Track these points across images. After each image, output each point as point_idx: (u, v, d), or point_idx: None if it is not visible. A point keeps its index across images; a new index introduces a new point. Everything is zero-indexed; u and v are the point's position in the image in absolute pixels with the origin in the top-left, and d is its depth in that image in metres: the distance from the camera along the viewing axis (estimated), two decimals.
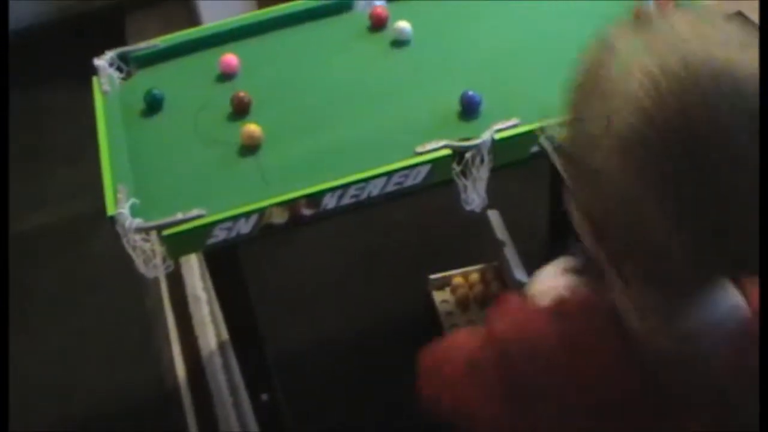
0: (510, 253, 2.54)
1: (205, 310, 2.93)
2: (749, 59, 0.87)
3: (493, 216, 2.59)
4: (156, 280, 2.90)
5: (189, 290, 2.99)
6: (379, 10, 2.37)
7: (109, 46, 3.43)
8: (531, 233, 2.86)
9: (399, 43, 2.31)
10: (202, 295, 2.96)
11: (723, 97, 0.85)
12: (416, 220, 3.03)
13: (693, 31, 0.90)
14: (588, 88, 0.95)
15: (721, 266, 0.95)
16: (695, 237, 0.90)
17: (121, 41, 4.10)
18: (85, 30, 4.28)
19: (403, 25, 2.31)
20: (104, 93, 2.28)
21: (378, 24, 2.36)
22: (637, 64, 0.89)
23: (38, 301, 3.09)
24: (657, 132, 0.87)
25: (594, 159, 0.92)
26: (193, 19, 3.82)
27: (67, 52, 4.14)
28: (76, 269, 3.19)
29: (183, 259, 2.99)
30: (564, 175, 1.00)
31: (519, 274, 2.45)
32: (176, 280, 3.02)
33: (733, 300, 1.00)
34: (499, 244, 2.58)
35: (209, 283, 2.90)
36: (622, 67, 0.90)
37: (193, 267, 3.07)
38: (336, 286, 2.98)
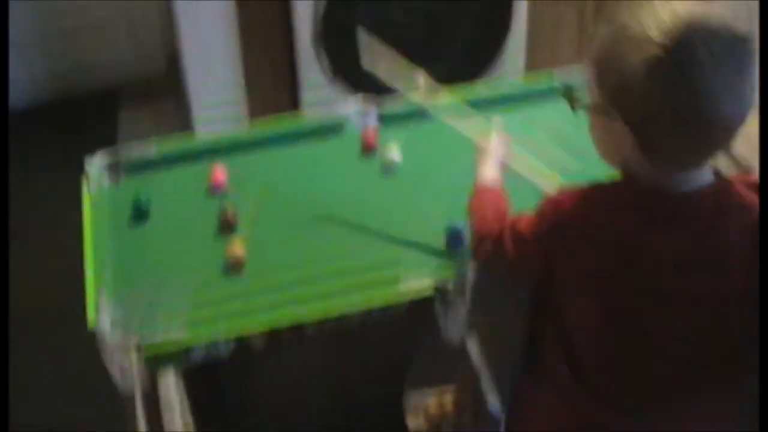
0: (484, 379, 2.53)
1: (179, 421, 2.89)
2: (717, 17, 1.44)
3: (471, 343, 2.58)
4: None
5: (163, 401, 2.95)
6: (370, 134, 2.39)
7: (100, 135, 3.46)
8: (504, 357, 2.85)
9: (388, 169, 2.33)
10: (176, 407, 2.92)
11: (713, 35, 1.42)
12: (394, 339, 3.02)
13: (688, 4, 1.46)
14: (617, 39, 1.48)
15: (706, 147, 1.49)
16: (700, 122, 1.44)
17: (112, 131, 4.16)
18: (78, 116, 4.31)
19: (393, 152, 2.33)
20: (92, 195, 2.28)
21: (369, 148, 2.38)
22: (655, 21, 1.44)
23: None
24: (675, 57, 1.41)
25: (635, 78, 1.44)
26: (184, 118, 3.84)
27: (58, 137, 4.18)
28: (47, 367, 3.16)
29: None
30: (602, 103, 1.52)
31: (492, 399, 2.45)
32: (152, 391, 2.99)
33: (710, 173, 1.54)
34: (473, 370, 2.57)
35: (183, 394, 2.88)
36: (643, 23, 1.44)
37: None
38: (313, 406, 2.95)
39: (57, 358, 3.17)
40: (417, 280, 1.96)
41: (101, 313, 1.91)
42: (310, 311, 1.91)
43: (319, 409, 2.90)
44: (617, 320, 1.60)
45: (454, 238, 2.06)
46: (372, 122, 2.47)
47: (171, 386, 2.87)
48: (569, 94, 1.62)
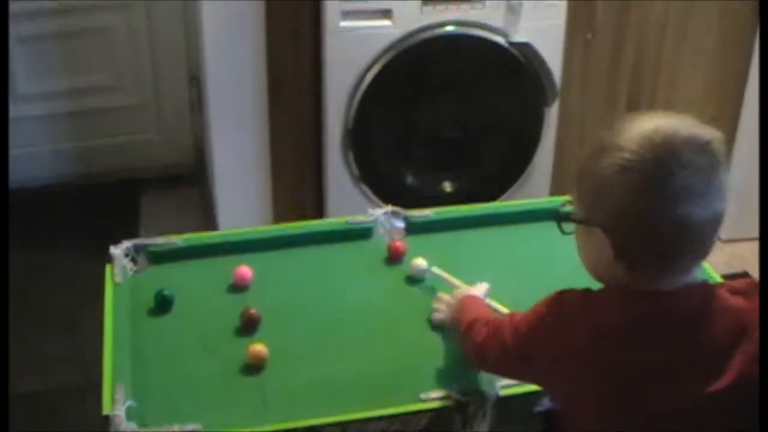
0: None
1: None
2: (684, 127, 1.54)
3: None
4: None
5: None
6: (397, 244, 2.40)
7: (121, 221, 3.46)
8: None
9: (414, 279, 2.33)
10: None
11: (680, 142, 1.51)
12: None
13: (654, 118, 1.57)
14: (598, 150, 1.57)
15: (687, 256, 1.56)
16: (670, 228, 1.51)
17: (134, 216, 4.18)
18: (101, 197, 4.33)
19: (420, 261, 2.33)
20: (116, 284, 2.28)
21: (395, 257, 2.39)
22: (630, 132, 1.54)
23: None
24: (644, 162, 1.50)
25: (608, 183, 1.54)
26: (208, 210, 3.87)
27: (80, 218, 4.20)
28: None
29: None
30: (583, 211, 1.62)
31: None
32: None
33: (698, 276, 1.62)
34: None
35: None
36: (621, 135, 1.55)
37: None
38: None
39: None
40: (439, 392, 1.94)
41: (117, 400, 1.90)
42: (328, 416, 1.88)
43: None
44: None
45: None
46: (399, 231, 2.47)
47: None
48: (558, 215, 1.70)
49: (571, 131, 3.77)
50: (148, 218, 4.20)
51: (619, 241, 1.56)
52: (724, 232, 4.09)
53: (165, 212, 4.21)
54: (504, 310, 2.12)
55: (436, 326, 2.17)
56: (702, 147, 1.52)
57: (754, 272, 4.04)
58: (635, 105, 3.87)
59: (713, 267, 2.35)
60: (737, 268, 4.07)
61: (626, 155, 1.51)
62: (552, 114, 3.60)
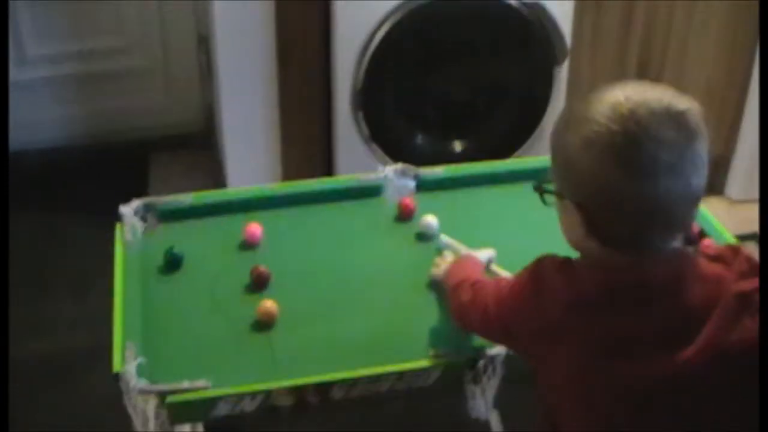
0: None
1: None
2: (656, 98, 1.49)
3: (493, 417, 2.57)
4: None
5: None
6: (407, 201, 2.39)
7: (131, 183, 3.46)
8: None
9: (424, 236, 2.33)
10: None
11: (647, 113, 1.46)
12: (416, 413, 2.99)
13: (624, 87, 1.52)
14: (567, 121, 1.55)
15: (659, 231, 1.53)
16: (637, 202, 1.47)
17: (143, 178, 4.18)
18: (111, 159, 4.33)
19: (430, 219, 2.33)
20: (126, 243, 2.28)
21: (405, 215, 2.39)
22: (597, 103, 1.50)
23: None
24: (610, 135, 1.46)
25: (576, 155, 1.49)
26: (217, 172, 3.86)
27: (89, 181, 4.19)
28: (66, 406, 3.14)
29: None
30: (556, 184, 1.59)
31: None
32: None
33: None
34: None
35: None
36: (588, 107, 1.50)
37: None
38: None
39: (80, 400, 3.15)
40: (448, 349, 1.94)
41: (127, 357, 1.90)
42: (338, 372, 1.89)
43: None
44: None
45: None
46: (409, 188, 2.46)
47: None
48: (539, 186, 1.66)
49: (581, 92, 3.75)
50: (157, 180, 4.20)
51: (589, 217, 1.53)
52: (735, 193, 4.16)
53: (174, 174, 4.20)
54: (506, 275, 2.10)
55: (434, 283, 2.17)
56: (674, 118, 1.47)
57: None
58: (645, 67, 3.85)
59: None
60: (748, 230, 4.06)
61: (593, 127, 1.47)
62: (561, 76, 3.57)
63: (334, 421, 2.85)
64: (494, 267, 2.14)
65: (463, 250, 2.23)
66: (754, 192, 4.14)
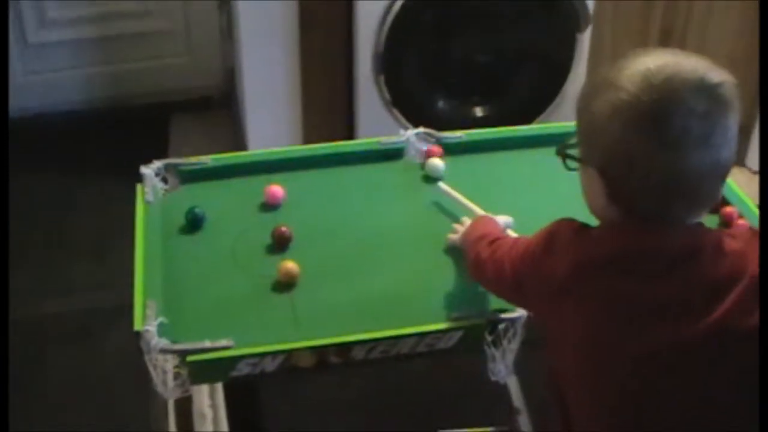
0: (524, 422, 2.52)
1: (210, 428, 2.89)
2: (690, 68, 1.46)
3: (512, 383, 2.58)
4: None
5: (195, 406, 2.96)
6: (434, 149, 2.43)
7: (150, 145, 3.46)
8: (544, 406, 2.83)
9: (430, 178, 2.38)
10: (209, 413, 2.93)
11: (680, 83, 1.43)
12: (436, 374, 3.00)
13: (654, 54, 1.49)
14: (594, 86, 1.52)
15: (683, 204, 1.50)
16: (661, 175, 1.45)
17: (163, 139, 4.18)
18: (131, 121, 4.33)
19: (437, 161, 2.38)
20: (147, 203, 2.28)
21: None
22: (626, 69, 1.47)
23: (39, 396, 3.05)
24: (640, 103, 1.43)
25: (601, 122, 1.47)
26: (238, 134, 3.86)
27: (109, 143, 4.20)
28: (85, 366, 3.17)
29: None
30: (581, 149, 1.56)
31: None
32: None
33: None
34: (514, 412, 2.56)
35: (217, 401, 2.88)
36: (617, 72, 1.48)
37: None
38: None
39: (100, 358, 3.18)
40: (469, 311, 1.94)
41: (148, 317, 1.90)
42: (359, 332, 1.89)
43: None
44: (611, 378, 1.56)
45: None
46: (432, 150, 2.46)
47: (205, 396, 2.88)
48: (562, 151, 1.62)
49: (603, 60, 3.73)
50: (177, 142, 4.20)
51: (612, 184, 1.50)
52: (755, 164, 4.13)
53: (194, 136, 4.21)
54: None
55: (452, 248, 2.16)
56: (707, 90, 1.44)
57: None
58: (668, 35, 3.83)
59: None
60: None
61: (622, 95, 1.44)
62: (584, 42, 3.56)
63: (352, 380, 2.86)
64: (511, 232, 2.13)
65: (462, 200, 2.23)
66: None
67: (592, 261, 1.54)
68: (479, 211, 2.18)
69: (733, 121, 1.46)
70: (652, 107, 1.42)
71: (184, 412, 2.94)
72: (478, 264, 1.89)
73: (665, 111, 1.42)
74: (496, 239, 1.89)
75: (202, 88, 4.41)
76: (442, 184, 2.30)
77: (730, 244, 1.54)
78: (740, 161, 4.24)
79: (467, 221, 2.16)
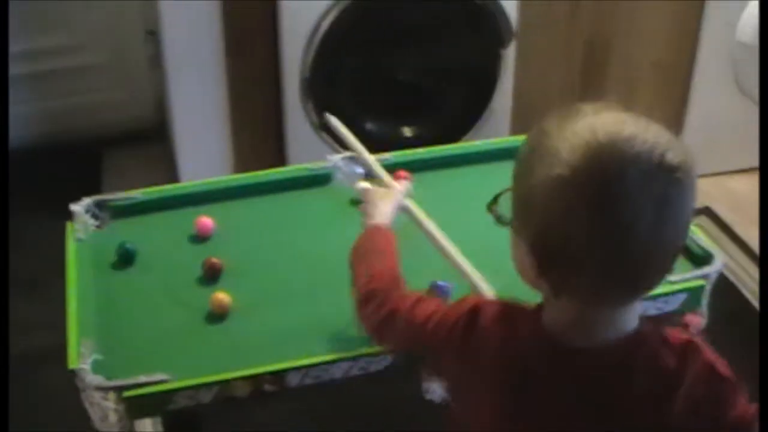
0: None
1: None
2: (642, 133, 1.27)
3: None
4: None
5: None
6: (401, 174, 2.43)
7: (85, 181, 3.44)
8: None
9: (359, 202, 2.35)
10: None
11: (633, 163, 1.25)
12: (378, 402, 3.00)
13: (604, 117, 1.30)
14: (532, 150, 1.32)
15: (623, 288, 1.34)
16: (603, 259, 1.28)
17: (97, 174, 4.16)
18: (64, 158, 4.30)
19: (365, 185, 2.35)
20: (78, 240, 2.28)
21: None
22: (570, 134, 1.28)
23: None
24: (585, 182, 1.25)
25: (537, 197, 1.29)
26: (170, 166, 3.86)
27: (42, 180, 4.17)
28: (23, 405, 3.14)
29: None
30: (513, 216, 1.39)
31: None
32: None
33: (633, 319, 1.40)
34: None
35: None
36: (559, 137, 1.29)
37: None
38: None
39: (37, 399, 3.15)
40: None
41: (83, 354, 1.91)
42: (293, 358, 1.90)
43: None
44: None
45: (438, 296, 2.06)
46: (359, 175, 2.47)
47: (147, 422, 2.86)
48: (491, 205, 1.49)
49: (530, 72, 3.79)
50: (111, 177, 4.19)
51: (544, 263, 1.33)
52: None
53: (128, 170, 4.20)
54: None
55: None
56: (665, 172, 1.26)
57: (717, 207, 4.09)
58: (594, 46, 3.88)
59: None
60: (700, 204, 4.11)
61: (564, 171, 1.26)
62: (509, 56, 3.60)
63: (290, 406, 2.85)
64: (410, 204, 2.08)
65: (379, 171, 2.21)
66: (704, 168, 4.17)
67: (517, 362, 1.44)
68: (388, 180, 2.15)
69: (689, 206, 1.31)
70: (600, 190, 1.25)
71: None
72: (374, 329, 1.77)
73: (613, 195, 1.25)
74: (387, 298, 1.72)
75: (134, 120, 4.40)
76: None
77: (662, 359, 1.40)
78: None
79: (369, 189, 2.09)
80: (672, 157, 1.26)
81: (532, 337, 1.43)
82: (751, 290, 3.63)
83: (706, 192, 4.20)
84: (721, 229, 3.96)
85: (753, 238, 3.90)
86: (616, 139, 1.26)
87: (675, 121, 4.16)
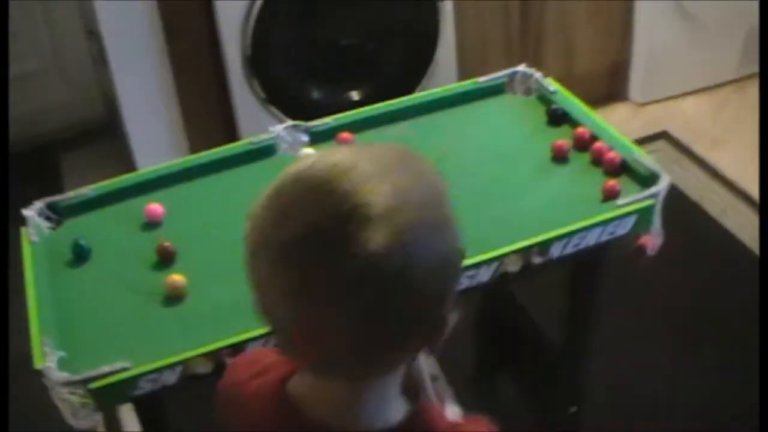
0: (442, 387, 2.55)
1: None
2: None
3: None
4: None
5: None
6: (345, 135, 2.47)
7: (45, 186, 3.44)
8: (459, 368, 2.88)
9: None
10: None
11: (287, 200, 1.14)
12: None
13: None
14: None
15: (377, 367, 1.15)
16: (353, 340, 1.08)
17: (56, 180, 4.16)
18: (21, 169, 4.29)
19: (308, 151, 2.40)
20: (32, 243, 2.29)
21: None
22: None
23: None
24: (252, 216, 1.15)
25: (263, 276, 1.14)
26: (127, 160, 3.86)
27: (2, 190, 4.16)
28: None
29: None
30: None
31: (450, 409, 2.47)
32: (113, 424, 3.00)
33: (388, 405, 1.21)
34: (432, 378, 2.59)
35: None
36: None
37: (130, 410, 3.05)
38: None
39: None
40: None
41: (47, 353, 1.92)
42: (250, 331, 1.92)
43: None
44: None
45: None
46: (303, 143, 2.49)
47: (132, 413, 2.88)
48: None
49: (470, 22, 3.79)
50: (72, 178, 4.19)
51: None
52: (638, 96, 4.23)
53: (88, 169, 4.18)
54: None
55: None
56: (313, 226, 1.08)
57: (673, 130, 4.12)
58: None
59: (630, 131, 2.40)
60: (656, 128, 4.15)
61: (254, 211, 1.19)
62: (447, 7, 3.61)
63: None
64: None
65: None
66: (656, 94, 4.24)
67: None
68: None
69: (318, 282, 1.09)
70: (253, 237, 1.22)
71: None
72: None
73: (254, 246, 1.20)
74: None
75: (86, 120, 4.41)
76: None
77: None
78: (623, 96, 4.34)
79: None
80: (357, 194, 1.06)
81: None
82: (712, 208, 3.66)
83: (659, 118, 4.23)
84: (680, 151, 3.99)
85: (711, 158, 3.94)
86: (296, 180, 1.16)
87: (621, 53, 4.19)
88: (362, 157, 1.09)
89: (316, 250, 1.05)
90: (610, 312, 2.92)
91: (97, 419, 1.93)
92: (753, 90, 4.35)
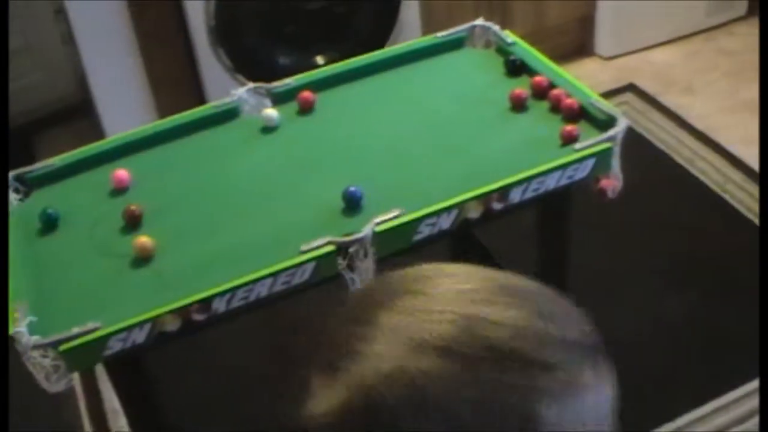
0: None
1: (123, 421, 2.93)
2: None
3: None
4: (72, 393, 2.92)
5: (107, 404, 3.00)
6: (305, 95, 2.50)
7: (16, 166, 3.47)
8: None
9: (267, 129, 2.46)
10: (120, 408, 2.97)
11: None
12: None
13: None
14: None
15: None
16: None
17: (30, 161, 4.16)
18: None
19: (270, 112, 2.46)
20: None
21: (306, 108, 2.52)
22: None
23: None
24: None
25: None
26: (101, 135, 3.88)
27: None
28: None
29: (100, 372, 2.99)
30: None
31: None
32: (94, 393, 3.02)
33: None
34: None
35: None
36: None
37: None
38: (249, 384, 3.00)
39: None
40: (318, 240, 2.00)
41: (18, 319, 1.95)
42: (217, 286, 1.95)
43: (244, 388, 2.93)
44: None
45: (351, 200, 2.12)
46: (266, 105, 2.52)
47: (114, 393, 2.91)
48: None
49: None
50: (46, 158, 4.19)
51: None
52: (605, 50, 4.26)
53: (63, 147, 4.17)
54: None
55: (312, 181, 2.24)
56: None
57: (641, 81, 4.15)
58: None
59: (598, 85, 2.42)
60: (624, 81, 4.18)
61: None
62: None
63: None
64: None
65: None
66: (623, 47, 4.27)
67: None
68: None
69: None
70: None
71: (96, 412, 2.98)
72: None
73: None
74: None
75: (59, 99, 4.39)
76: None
77: None
78: (590, 51, 4.36)
79: None
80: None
81: None
82: (680, 156, 3.69)
83: (629, 69, 4.26)
84: (647, 102, 4.02)
85: (680, 106, 3.97)
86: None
87: (587, 7, 4.20)
88: None
89: None
90: (587, 258, 2.97)
91: (71, 382, 1.95)
92: (724, 39, 4.38)
